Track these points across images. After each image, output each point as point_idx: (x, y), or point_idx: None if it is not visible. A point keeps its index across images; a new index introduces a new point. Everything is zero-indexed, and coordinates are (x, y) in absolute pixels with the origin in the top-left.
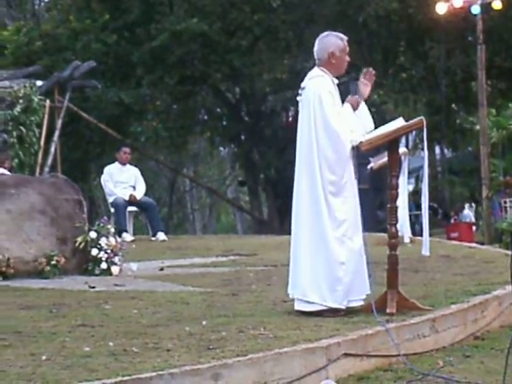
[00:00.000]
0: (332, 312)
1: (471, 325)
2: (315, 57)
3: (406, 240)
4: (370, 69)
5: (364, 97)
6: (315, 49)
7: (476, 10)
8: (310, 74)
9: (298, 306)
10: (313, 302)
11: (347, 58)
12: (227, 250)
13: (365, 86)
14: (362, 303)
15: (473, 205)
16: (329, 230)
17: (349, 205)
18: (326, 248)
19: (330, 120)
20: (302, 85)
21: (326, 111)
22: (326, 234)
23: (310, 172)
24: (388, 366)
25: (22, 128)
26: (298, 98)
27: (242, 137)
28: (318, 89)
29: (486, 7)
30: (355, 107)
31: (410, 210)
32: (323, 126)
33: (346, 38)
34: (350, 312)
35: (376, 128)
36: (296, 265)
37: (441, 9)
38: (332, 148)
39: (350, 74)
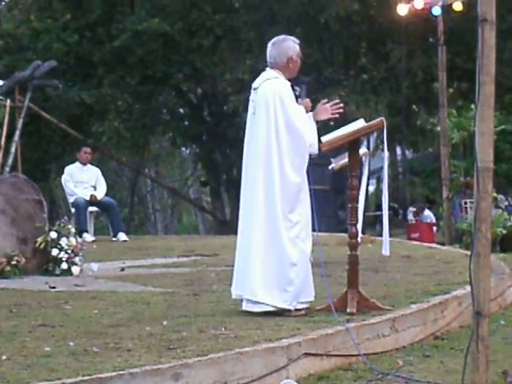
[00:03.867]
0: (288, 312)
1: (431, 325)
2: (270, 60)
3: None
4: (341, 104)
5: (316, 118)
6: (271, 53)
7: (437, 11)
8: (265, 75)
9: (245, 307)
10: (262, 303)
11: (299, 62)
12: (189, 251)
13: (324, 112)
14: (308, 306)
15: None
16: (283, 231)
17: (303, 207)
18: (279, 248)
19: (294, 121)
20: (255, 85)
21: (290, 112)
22: (280, 234)
23: (267, 172)
24: (348, 365)
25: None
26: (251, 98)
27: (204, 137)
28: (277, 90)
29: (447, 9)
30: (307, 110)
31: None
32: (286, 127)
33: (298, 41)
34: (310, 312)
35: (337, 129)
36: (246, 264)
37: (402, 10)
38: (295, 149)
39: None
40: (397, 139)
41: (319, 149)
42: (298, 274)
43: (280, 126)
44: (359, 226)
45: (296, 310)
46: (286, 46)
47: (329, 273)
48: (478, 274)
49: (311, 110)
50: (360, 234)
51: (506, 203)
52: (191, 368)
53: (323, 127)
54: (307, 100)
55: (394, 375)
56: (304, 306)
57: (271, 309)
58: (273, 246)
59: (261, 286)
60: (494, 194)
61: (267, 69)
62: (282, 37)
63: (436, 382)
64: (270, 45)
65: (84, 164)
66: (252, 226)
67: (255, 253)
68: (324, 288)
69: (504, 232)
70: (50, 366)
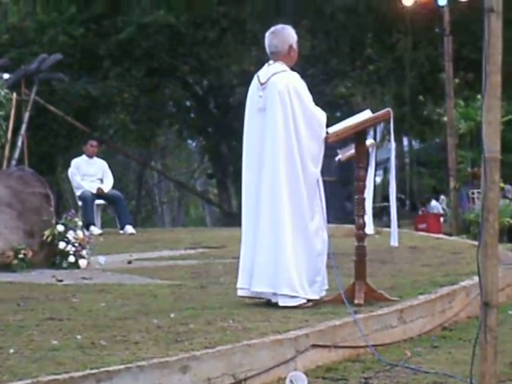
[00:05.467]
0: (306, 303)
1: (439, 315)
2: (271, 50)
3: (369, 231)
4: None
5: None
6: (272, 42)
7: (442, 1)
8: (271, 68)
9: (282, 302)
10: (298, 296)
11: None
12: (196, 243)
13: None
14: (326, 293)
15: (442, 198)
16: (308, 222)
17: (319, 196)
18: (307, 240)
19: (313, 110)
20: (262, 80)
21: (308, 103)
22: (307, 225)
23: (289, 167)
24: (356, 356)
25: None
26: (257, 93)
27: (210, 129)
28: (290, 83)
29: None
30: None
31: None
32: (305, 119)
33: (294, 30)
34: (318, 303)
35: (343, 120)
36: (271, 259)
37: (407, 1)
38: (315, 139)
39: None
40: (403, 130)
41: (326, 140)
42: (322, 263)
43: (298, 119)
44: (369, 218)
45: (308, 300)
46: (287, 33)
47: (336, 264)
48: (486, 265)
49: None
50: (372, 226)
51: None
52: (199, 360)
53: (330, 119)
54: None
55: (402, 366)
56: (324, 293)
57: (305, 301)
58: (301, 239)
59: (297, 280)
60: (502, 185)
61: (270, 61)
62: (280, 26)
63: (444, 373)
64: (268, 34)
65: (90, 157)
66: (275, 221)
67: (285, 247)
68: (331, 279)
69: (511, 222)
70: (58, 360)
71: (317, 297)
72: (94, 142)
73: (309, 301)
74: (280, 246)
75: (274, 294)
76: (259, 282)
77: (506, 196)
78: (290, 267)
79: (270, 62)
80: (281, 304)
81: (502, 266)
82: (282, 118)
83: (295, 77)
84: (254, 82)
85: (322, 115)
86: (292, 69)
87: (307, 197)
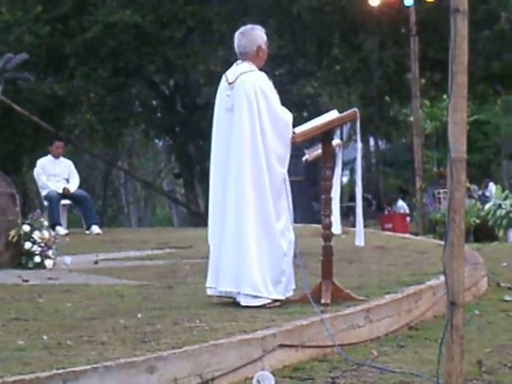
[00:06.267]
0: (272, 303)
1: (405, 315)
2: (240, 50)
3: (336, 231)
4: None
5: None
6: (241, 42)
7: (409, 1)
8: (239, 68)
9: (244, 302)
10: (261, 296)
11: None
12: (163, 243)
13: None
14: (293, 293)
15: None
16: (274, 223)
17: (285, 197)
18: (272, 240)
19: (279, 111)
20: (230, 80)
21: (274, 103)
22: (272, 226)
23: (254, 167)
24: (323, 356)
25: None
26: (225, 93)
27: (177, 129)
28: (257, 83)
29: None
30: None
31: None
32: (271, 120)
33: (264, 30)
34: (285, 303)
35: (310, 120)
36: (236, 260)
37: (374, 1)
38: (281, 140)
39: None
40: (370, 130)
41: (292, 140)
42: (288, 263)
43: (264, 119)
44: (337, 218)
45: (274, 300)
46: (255, 34)
47: (303, 264)
48: (452, 264)
49: None
50: (339, 226)
51: (480, 193)
52: (166, 361)
53: (297, 119)
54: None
55: (368, 366)
56: (291, 293)
57: (269, 301)
58: (266, 239)
59: (259, 280)
60: (468, 184)
61: (238, 61)
62: (249, 26)
63: (411, 373)
64: (237, 34)
65: (56, 157)
66: (240, 221)
67: (249, 247)
68: (298, 279)
69: (477, 222)
70: (24, 360)
71: (282, 297)
72: (60, 144)
73: (276, 301)
74: (244, 245)
75: (239, 294)
76: (225, 282)
77: (472, 196)
78: (252, 267)
79: (239, 61)
80: (243, 304)
81: (468, 266)
82: (248, 118)
83: (262, 77)
84: (223, 81)
85: (288, 116)
86: (261, 69)
87: (273, 197)
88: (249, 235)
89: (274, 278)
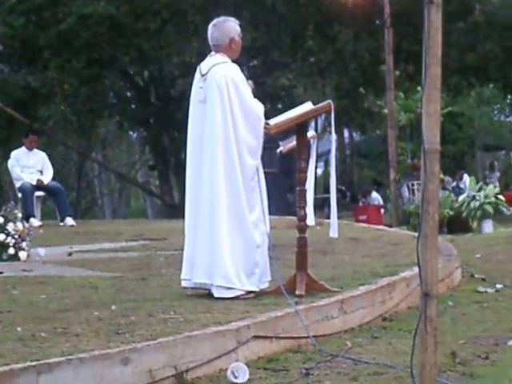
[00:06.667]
0: (246, 295)
1: (379, 306)
2: (213, 42)
3: (311, 223)
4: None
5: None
6: (213, 34)
7: None
8: (212, 60)
9: (218, 294)
10: (234, 288)
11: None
12: (137, 235)
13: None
14: (268, 285)
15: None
16: (247, 214)
17: (259, 188)
18: (245, 232)
19: (251, 103)
20: (203, 72)
21: (245, 95)
22: (244, 218)
23: (227, 160)
24: (297, 347)
25: None
26: (198, 85)
27: (152, 120)
28: (229, 74)
29: None
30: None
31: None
32: (242, 112)
33: (238, 21)
34: (259, 294)
35: (285, 112)
36: (210, 251)
37: None
38: (252, 132)
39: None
40: (344, 122)
41: (267, 132)
42: (262, 255)
43: (236, 111)
44: (311, 209)
45: (248, 292)
46: (228, 26)
47: (278, 256)
48: (426, 256)
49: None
50: (313, 217)
51: (454, 185)
52: (140, 352)
53: (271, 110)
54: (250, 81)
55: (342, 357)
56: (266, 285)
57: (242, 293)
58: (238, 231)
59: (232, 271)
60: (441, 176)
61: (212, 53)
62: (222, 18)
63: (385, 364)
64: (210, 26)
65: (30, 149)
66: (212, 213)
67: (221, 239)
68: (274, 271)
69: (451, 213)
70: None
71: (256, 288)
72: (35, 137)
73: (250, 292)
74: (216, 237)
75: (213, 285)
76: (199, 273)
77: (446, 188)
78: (225, 259)
79: (212, 53)
80: (216, 295)
81: (442, 257)
82: (220, 110)
83: (234, 68)
84: (197, 73)
85: (259, 107)
86: (234, 61)
87: (245, 189)
88: (221, 227)
89: (247, 269)
